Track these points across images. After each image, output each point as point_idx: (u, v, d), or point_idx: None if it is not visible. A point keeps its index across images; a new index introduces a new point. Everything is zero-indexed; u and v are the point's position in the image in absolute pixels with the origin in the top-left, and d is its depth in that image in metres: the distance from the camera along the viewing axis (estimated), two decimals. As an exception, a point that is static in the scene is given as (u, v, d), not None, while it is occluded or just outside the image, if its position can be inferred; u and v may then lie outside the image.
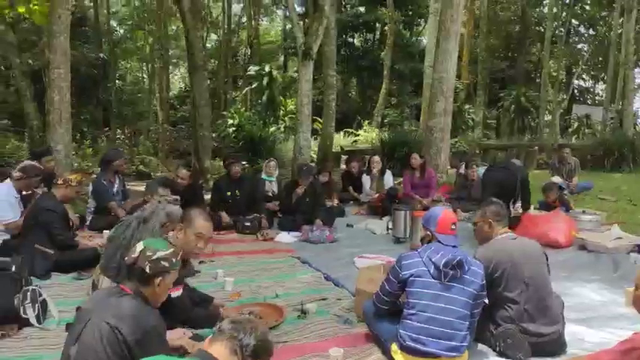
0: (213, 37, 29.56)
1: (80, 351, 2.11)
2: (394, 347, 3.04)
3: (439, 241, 3.09)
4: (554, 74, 24.56)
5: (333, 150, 14.08)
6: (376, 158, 8.22)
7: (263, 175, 7.74)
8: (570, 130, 20.37)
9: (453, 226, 3.16)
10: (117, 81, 22.88)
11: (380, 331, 3.26)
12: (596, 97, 31.07)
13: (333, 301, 4.15)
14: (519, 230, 6.31)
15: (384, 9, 23.65)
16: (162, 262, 2.34)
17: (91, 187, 6.41)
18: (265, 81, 17.67)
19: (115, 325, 2.10)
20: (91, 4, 21.68)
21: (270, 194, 7.55)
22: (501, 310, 3.30)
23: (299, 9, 29.14)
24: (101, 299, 2.31)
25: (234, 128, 14.62)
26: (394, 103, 24.27)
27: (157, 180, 5.59)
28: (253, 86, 18.58)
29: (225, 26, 25.54)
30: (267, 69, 18.14)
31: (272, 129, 15.70)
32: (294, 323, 3.69)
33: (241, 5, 28.66)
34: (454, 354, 2.90)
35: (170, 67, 26.94)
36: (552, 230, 6.12)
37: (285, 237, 6.38)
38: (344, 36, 28.96)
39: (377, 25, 28.02)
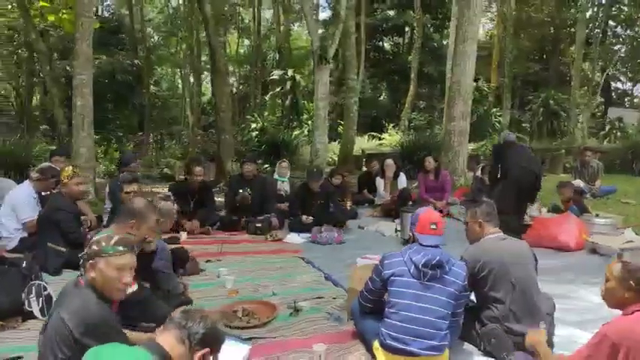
0: (247, 42, 29.96)
1: (43, 342, 2.22)
2: (375, 344, 3.09)
3: (419, 241, 3.12)
4: (589, 76, 24.02)
5: (355, 153, 14.10)
6: (389, 161, 8.24)
7: (275, 176, 7.87)
8: (602, 133, 19.86)
9: (433, 226, 3.14)
10: (151, 87, 23.47)
11: (364, 328, 3.32)
12: (635, 100, 30.21)
13: (329, 299, 4.21)
14: (530, 233, 6.31)
15: (412, 12, 23.59)
16: (93, 246, 2.38)
17: (107, 189, 6.64)
18: (289, 85, 17.84)
19: (64, 318, 2.17)
20: (127, 12, 22.30)
21: (283, 194, 7.67)
22: (487, 309, 3.32)
23: (324, 15, 29.54)
24: (64, 292, 2.39)
25: (257, 132, 14.83)
26: (423, 107, 24.16)
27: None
28: (276, 90, 18.76)
29: (256, 32, 25.80)
30: (290, 73, 18.30)
31: (296, 132, 15.84)
32: (286, 320, 3.77)
33: (272, 11, 29.00)
34: (434, 353, 2.93)
35: (205, 73, 27.51)
36: (563, 233, 6.06)
37: (294, 238, 6.47)
38: (374, 40, 29.06)
39: (406, 28, 27.97)
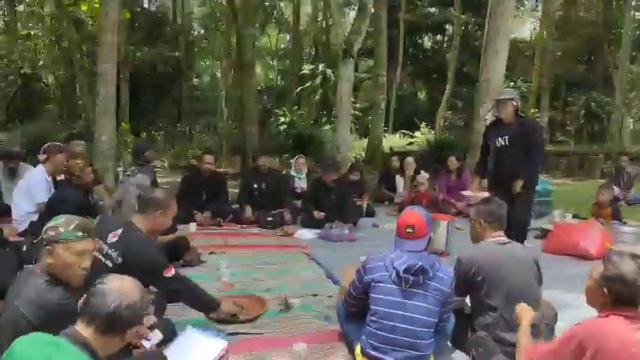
0: (287, 37, 30.07)
1: (1, 330, 2.17)
2: (357, 349, 2.96)
3: (397, 246, 2.94)
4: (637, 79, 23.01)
5: (386, 151, 13.89)
6: (409, 159, 8.06)
7: (292, 172, 7.76)
8: (648, 137, 19.07)
9: (409, 230, 2.90)
10: (195, 79, 23.79)
11: (347, 331, 3.21)
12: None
13: (323, 297, 4.11)
14: (551, 239, 6.05)
15: (453, 10, 23.14)
16: (49, 232, 2.30)
17: (122, 177, 6.71)
18: (319, 80, 17.73)
19: (20, 308, 2.13)
20: (169, 5, 22.66)
21: (299, 191, 7.57)
22: (480, 316, 3.14)
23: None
24: (17, 282, 2.33)
25: (285, 126, 14.79)
26: (460, 107, 23.69)
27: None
28: (307, 85, 18.69)
29: (296, 26, 25.80)
30: (320, 68, 18.19)
31: (326, 128, 15.73)
32: (274, 316, 3.69)
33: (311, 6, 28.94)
34: (416, 363, 2.77)
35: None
36: (584, 240, 5.75)
37: (305, 233, 6.37)
38: (414, 37, 28.65)
39: (447, 26, 27.46)
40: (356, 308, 3.09)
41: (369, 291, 2.90)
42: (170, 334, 3.02)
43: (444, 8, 25.16)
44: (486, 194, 5.16)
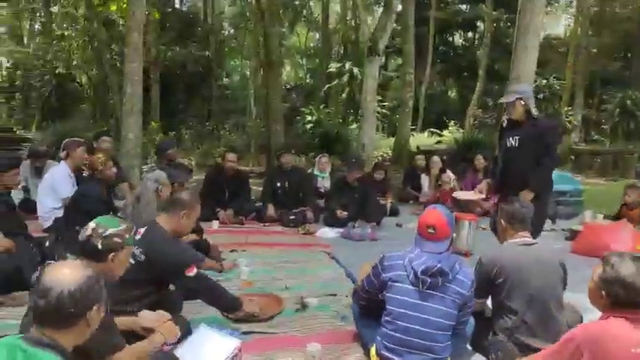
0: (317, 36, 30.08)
1: (24, 325, 2.20)
2: (372, 350, 2.90)
3: (417, 245, 2.84)
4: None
5: (409, 150, 13.73)
6: (435, 158, 7.93)
7: (315, 171, 7.71)
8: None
9: (431, 230, 2.79)
10: (225, 79, 23.95)
11: (362, 331, 3.15)
12: None
13: (341, 297, 4.06)
14: (580, 240, 5.87)
15: (485, 6, 22.76)
16: (114, 239, 2.41)
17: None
18: (346, 78, 17.65)
19: None
20: (201, 5, 22.87)
21: (322, 190, 7.52)
22: (501, 319, 3.05)
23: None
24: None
25: (312, 124, 14.76)
26: (491, 105, 23.28)
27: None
28: (333, 83, 18.62)
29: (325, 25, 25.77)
30: (347, 66, 18.11)
31: (353, 126, 15.65)
32: (290, 316, 3.66)
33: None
34: (431, 366, 2.70)
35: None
36: (615, 242, 5.53)
37: (327, 232, 6.32)
38: (445, 35, 28.31)
39: (479, 23, 27.05)
40: (365, 302, 3.04)
41: (385, 290, 2.83)
42: (185, 332, 3.02)
43: (475, 5, 24.79)
44: (481, 196, 5.05)
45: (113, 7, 10.00)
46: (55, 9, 19.21)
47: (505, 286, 3.00)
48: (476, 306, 3.20)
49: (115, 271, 2.47)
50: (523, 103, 4.47)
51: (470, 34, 29.49)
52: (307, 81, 31.44)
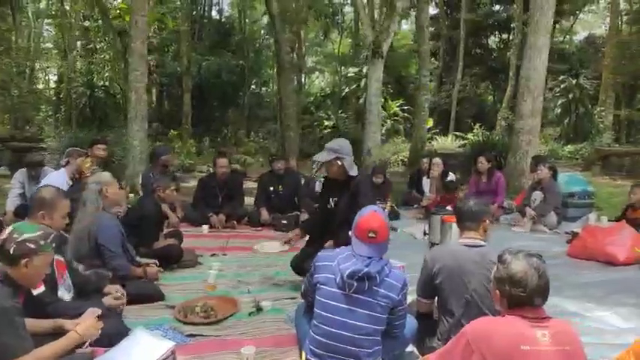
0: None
1: None
2: (303, 356, 2.85)
3: (352, 248, 2.77)
4: None
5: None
6: (437, 160, 7.73)
7: (314, 175, 7.69)
8: None
9: (372, 234, 2.70)
10: (263, 88, 24.20)
11: (300, 335, 3.09)
12: None
13: (298, 300, 4.01)
14: (577, 242, 5.65)
15: (515, 7, 22.22)
16: (27, 244, 2.42)
17: (140, 180, 6.88)
18: (363, 82, 17.52)
19: None
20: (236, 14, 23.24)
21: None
22: (441, 322, 2.96)
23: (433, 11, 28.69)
24: None
25: (330, 129, 14.72)
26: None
27: (159, 177, 5.73)
28: (352, 88, 18.54)
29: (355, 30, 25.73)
30: (364, 70, 17.98)
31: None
32: (243, 319, 3.65)
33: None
34: (357, 373, 2.62)
35: (316, 73, 27.84)
36: (612, 245, 5.29)
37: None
38: (479, 37, 27.77)
39: (513, 24, 26.41)
40: (308, 304, 2.99)
41: (315, 291, 2.78)
42: (120, 333, 3.03)
43: (507, 6, 24.22)
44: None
45: (127, 18, 10.25)
46: (86, 23, 19.88)
47: (444, 287, 2.90)
48: (423, 306, 3.12)
49: (31, 277, 2.50)
50: (340, 163, 4.07)
51: (505, 36, 28.83)
52: (342, 87, 31.39)
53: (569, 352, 2.05)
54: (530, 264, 2.12)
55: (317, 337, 2.70)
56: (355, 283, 2.60)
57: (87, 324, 2.71)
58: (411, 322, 3.08)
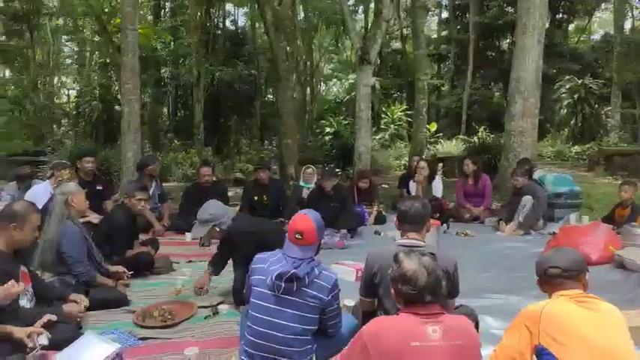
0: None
1: None
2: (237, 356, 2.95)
3: (284, 250, 2.88)
4: None
5: (425, 157, 13.46)
6: (422, 163, 7.74)
7: (300, 182, 7.74)
8: None
9: (298, 236, 2.81)
10: (271, 96, 24.33)
11: (240, 335, 3.19)
12: None
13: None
14: (551, 243, 5.61)
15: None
16: None
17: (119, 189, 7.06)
18: (365, 89, 17.53)
19: None
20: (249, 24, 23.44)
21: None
22: (379, 323, 3.02)
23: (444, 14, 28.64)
24: None
25: (331, 136, 14.77)
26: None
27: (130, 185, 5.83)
28: (353, 94, 18.54)
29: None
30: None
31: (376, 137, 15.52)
32: (199, 322, 3.73)
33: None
34: (289, 373, 2.71)
35: (334, 81, 27.93)
36: (586, 244, 5.23)
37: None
38: (491, 39, 27.59)
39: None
40: None
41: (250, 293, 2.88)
42: (71, 337, 3.14)
43: (516, 7, 23.95)
44: None
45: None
46: (96, 38, 20.30)
47: (381, 286, 2.95)
48: (365, 305, 3.17)
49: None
50: (218, 230, 4.02)
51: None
52: (353, 94, 31.36)
53: (461, 346, 2.11)
54: (420, 263, 2.21)
55: (249, 337, 2.79)
56: (283, 284, 2.69)
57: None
58: (349, 321, 3.16)
